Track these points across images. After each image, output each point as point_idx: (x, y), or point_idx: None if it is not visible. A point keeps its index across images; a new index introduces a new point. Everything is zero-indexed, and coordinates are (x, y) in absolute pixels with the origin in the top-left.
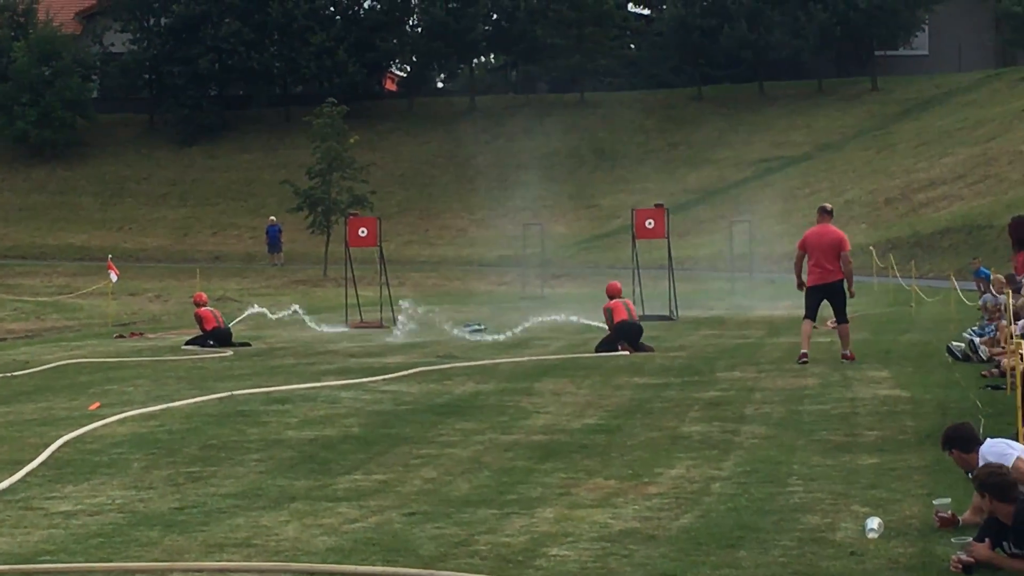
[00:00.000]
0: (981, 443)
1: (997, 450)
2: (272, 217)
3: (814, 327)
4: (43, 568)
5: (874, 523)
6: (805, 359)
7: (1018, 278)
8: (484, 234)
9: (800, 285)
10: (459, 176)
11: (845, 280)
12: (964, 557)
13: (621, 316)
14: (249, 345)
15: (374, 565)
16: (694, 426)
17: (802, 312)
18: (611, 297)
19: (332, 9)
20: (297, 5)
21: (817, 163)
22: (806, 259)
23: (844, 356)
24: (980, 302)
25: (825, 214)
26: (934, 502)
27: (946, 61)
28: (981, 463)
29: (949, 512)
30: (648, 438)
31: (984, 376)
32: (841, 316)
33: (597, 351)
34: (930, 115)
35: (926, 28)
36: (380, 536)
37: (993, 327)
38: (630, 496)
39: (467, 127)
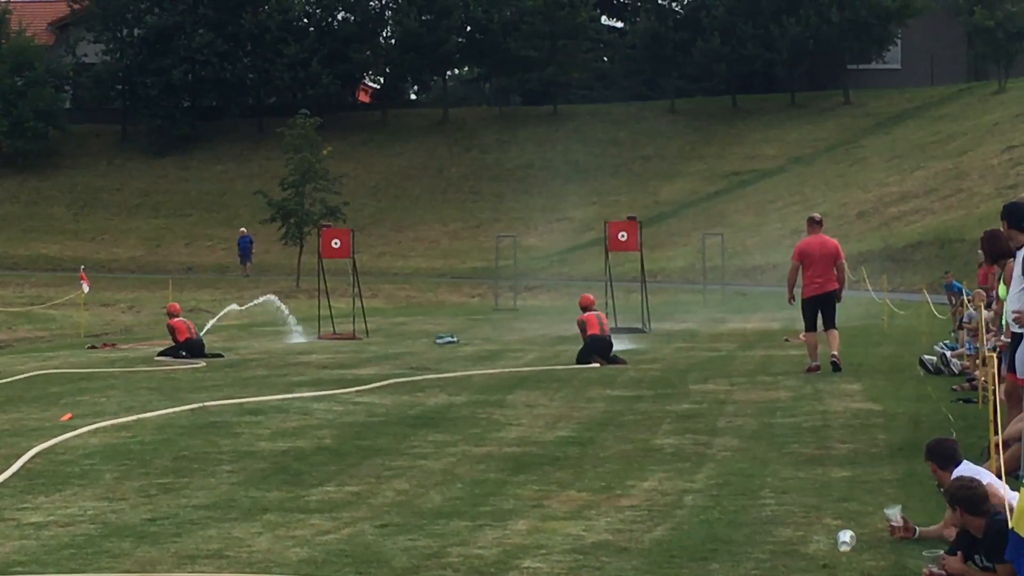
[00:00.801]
0: (958, 464)
1: (969, 474)
2: (243, 228)
3: (788, 340)
4: None
5: (846, 536)
6: (817, 369)
7: (984, 290)
8: (457, 246)
9: (792, 299)
10: (432, 188)
11: (839, 288)
12: (936, 570)
13: (593, 330)
14: (222, 356)
15: None
16: (667, 439)
17: (771, 325)
18: (584, 309)
19: (305, 21)
20: (270, 16)
21: (789, 176)
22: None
23: (833, 357)
24: (965, 318)
25: (816, 224)
26: (884, 511)
27: (918, 75)
28: None
29: (899, 518)
30: (620, 450)
31: (955, 390)
32: (832, 322)
33: (577, 363)
34: (902, 129)
35: (899, 42)
36: (352, 548)
37: (974, 344)
38: (603, 508)
39: (440, 139)
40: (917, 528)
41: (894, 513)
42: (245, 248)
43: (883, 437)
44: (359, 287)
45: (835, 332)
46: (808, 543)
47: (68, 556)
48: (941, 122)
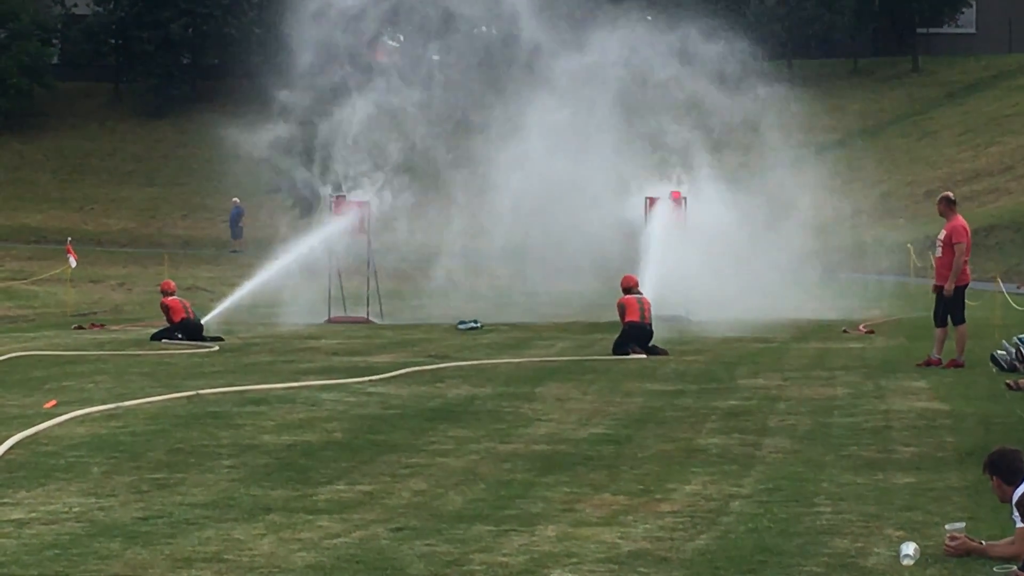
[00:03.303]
0: None
1: None
2: (235, 199)
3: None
4: None
5: (909, 548)
6: (937, 363)
7: None
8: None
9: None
10: None
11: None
12: None
13: (632, 316)
14: (222, 340)
15: None
16: (711, 438)
17: (829, 315)
18: (626, 291)
19: None
20: None
21: (850, 150)
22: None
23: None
24: None
25: (954, 204)
26: (946, 527)
27: (995, 40)
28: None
29: (963, 537)
30: (661, 450)
31: (1009, 386)
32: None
33: (614, 353)
34: (976, 100)
35: (973, 4)
36: (364, 553)
37: None
38: (640, 514)
39: None
40: (983, 542)
41: (959, 528)
42: (235, 220)
43: (950, 440)
44: (374, 266)
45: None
46: (867, 556)
47: (52, 557)
48: (1019, 93)
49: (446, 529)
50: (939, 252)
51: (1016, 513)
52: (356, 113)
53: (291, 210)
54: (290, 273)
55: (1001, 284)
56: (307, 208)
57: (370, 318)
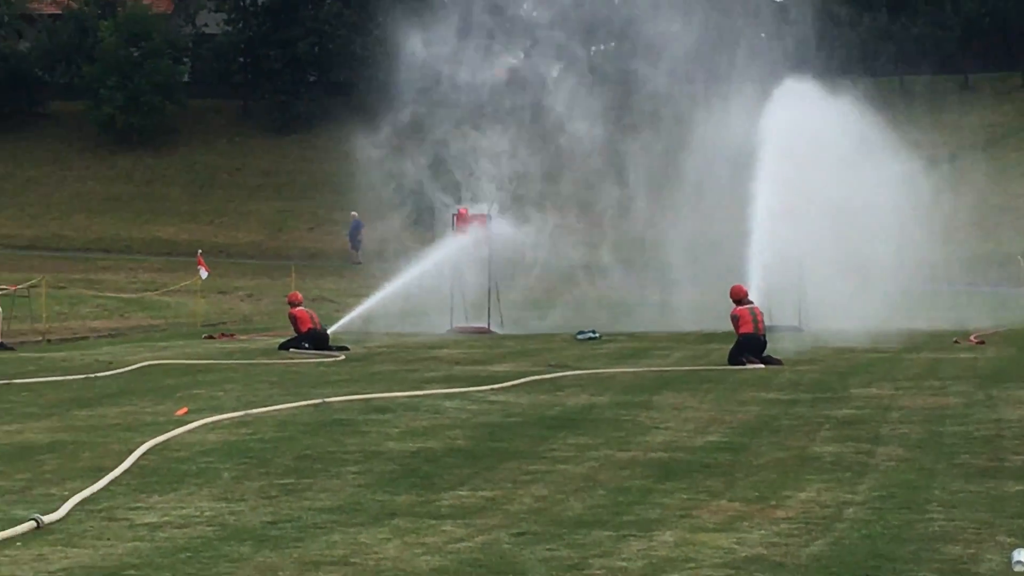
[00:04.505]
0: None
1: None
2: (353, 212)
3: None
4: None
5: (1022, 555)
6: None
7: None
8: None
9: None
10: None
11: None
12: None
13: (746, 327)
14: (347, 349)
15: None
16: (826, 446)
17: (941, 326)
18: (737, 302)
19: None
20: None
21: (962, 164)
22: None
23: None
24: None
25: None
26: (1012, 554)
27: None
28: None
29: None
30: (776, 458)
31: None
32: None
33: (730, 363)
34: None
35: None
36: (487, 557)
37: None
38: (756, 520)
39: None
40: None
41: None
42: (355, 233)
43: None
44: (495, 277)
45: None
46: (980, 562)
47: (184, 560)
48: None
49: (566, 534)
50: None
51: None
52: (482, 136)
53: (413, 224)
54: (414, 285)
55: None
56: (428, 221)
57: (491, 328)
